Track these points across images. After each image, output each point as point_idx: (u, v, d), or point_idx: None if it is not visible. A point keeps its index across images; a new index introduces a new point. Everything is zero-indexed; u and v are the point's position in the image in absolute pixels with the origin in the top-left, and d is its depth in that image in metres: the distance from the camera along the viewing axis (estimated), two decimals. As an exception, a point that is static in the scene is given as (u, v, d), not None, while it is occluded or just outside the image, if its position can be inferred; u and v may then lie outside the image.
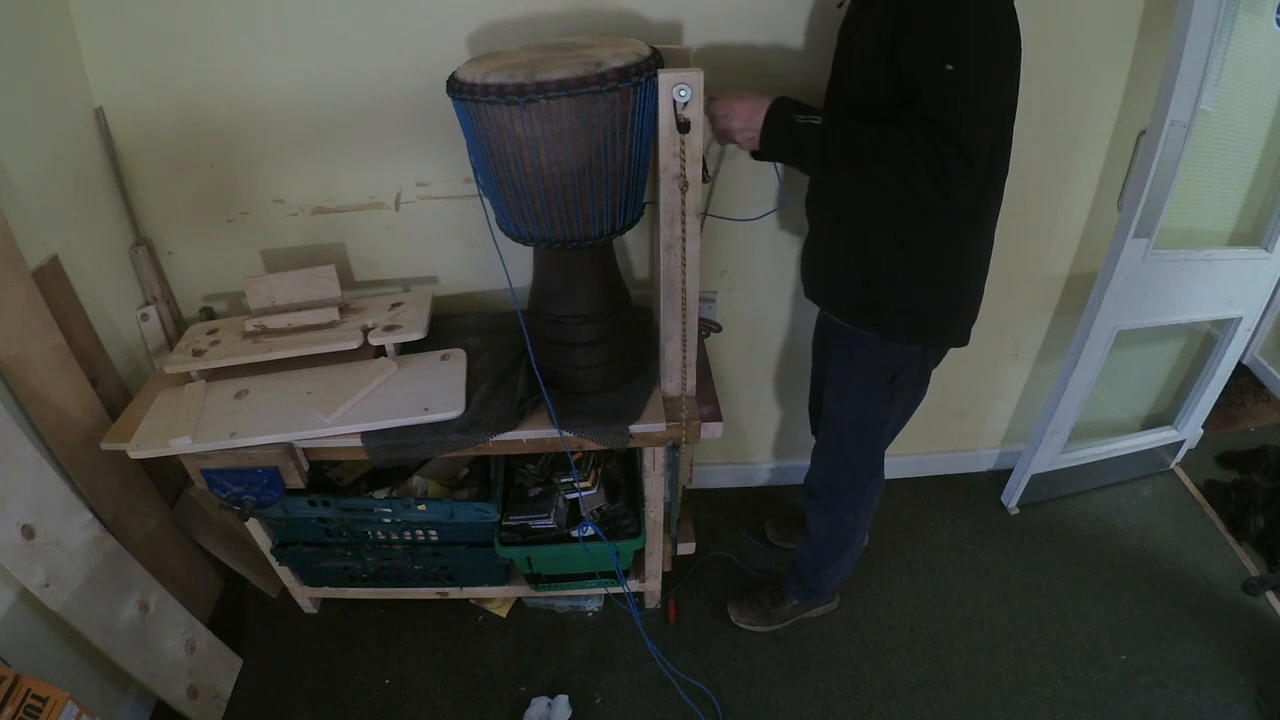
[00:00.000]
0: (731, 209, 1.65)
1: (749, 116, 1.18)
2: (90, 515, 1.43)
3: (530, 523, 1.66)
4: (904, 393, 1.45)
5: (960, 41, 1.03)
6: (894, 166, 1.09)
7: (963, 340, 1.41)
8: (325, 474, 1.77)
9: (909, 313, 1.33)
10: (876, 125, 1.10)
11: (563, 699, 1.69)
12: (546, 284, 1.44)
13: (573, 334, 1.44)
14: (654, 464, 1.54)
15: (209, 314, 1.78)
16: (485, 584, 1.82)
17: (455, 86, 1.16)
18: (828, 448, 1.59)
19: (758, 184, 1.63)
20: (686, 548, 1.90)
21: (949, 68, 1.02)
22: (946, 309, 1.36)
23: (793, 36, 1.49)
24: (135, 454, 1.38)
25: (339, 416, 1.42)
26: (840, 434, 1.53)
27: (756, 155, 1.25)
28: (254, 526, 1.66)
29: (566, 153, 1.16)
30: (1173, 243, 1.76)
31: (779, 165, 1.42)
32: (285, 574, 1.80)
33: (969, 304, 1.38)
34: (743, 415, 2.13)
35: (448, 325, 1.73)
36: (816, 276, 1.47)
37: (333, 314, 1.61)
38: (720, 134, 1.24)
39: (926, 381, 1.49)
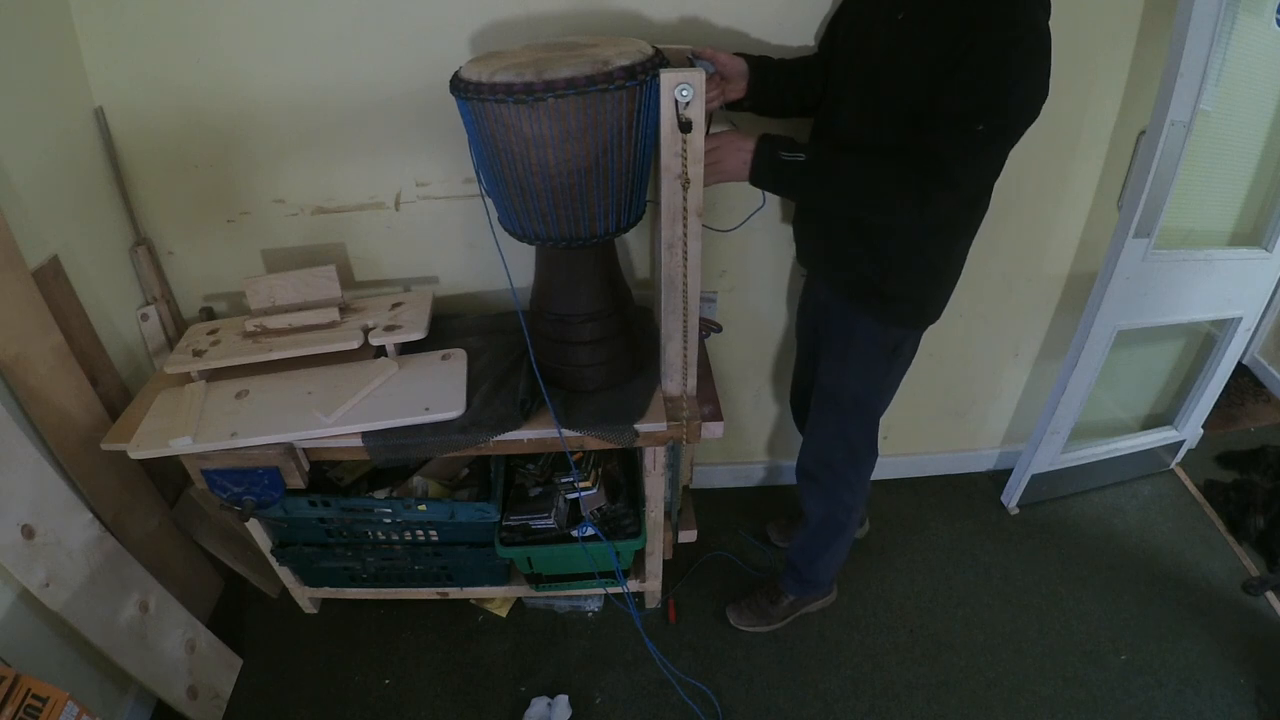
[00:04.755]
0: (713, 218, 1.63)
1: (736, 150, 1.19)
2: (90, 515, 1.43)
3: (531, 523, 1.66)
4: (901, 364, 1.50)
5: (1003, 100, 1.08)
6: (873, 200, 1.19)
7: (939, 314, 1.47)
8: (325, 474, 1.77)
9: (913, 301, 1.39)
10: (864, 161, 1.17)
11: (563, 699, 1.69)
12: (550, 283, 1.44)
13: (576, 332, 1.44)
14: (655, 463, 1.54)
15: (209, 314, 1.78)
16: (485, 584, 1.82)
17: (460, 86, 1.16)
18: (824, 426, 1.59)
19: (736, 188, 1.60)
20: (688, 535, 1.90)
21: (980, 129, 1.08)
22: (942, 292, 1.43)
23: (792, 36, 1.49)
24: (135, 454, 1.38)
25: (339, 416, 1.42)
26: (839, 412, 1.54)
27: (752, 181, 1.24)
28: (254, 526, 1.66)
29: (574, 151, 1.16)
30: (1173, 243, 1.76)
31: None
32: (285, 574, 1.80)
33: (954, 283, 1.44)
34: (743, 415, 2.13)
35: (448, 325, 1.73)
36: (820, 253, 1.49)
37: (333, 314, 1.61)
38: (709, 169, 1.20)
39: (916, 349, 1.52)
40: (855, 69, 1.27)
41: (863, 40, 1.26)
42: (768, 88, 1.35)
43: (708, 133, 1.19)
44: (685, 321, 1.32)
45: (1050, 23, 1.53)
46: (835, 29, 1.38)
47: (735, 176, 1.22)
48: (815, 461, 1.63)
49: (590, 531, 1.65)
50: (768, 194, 1.45)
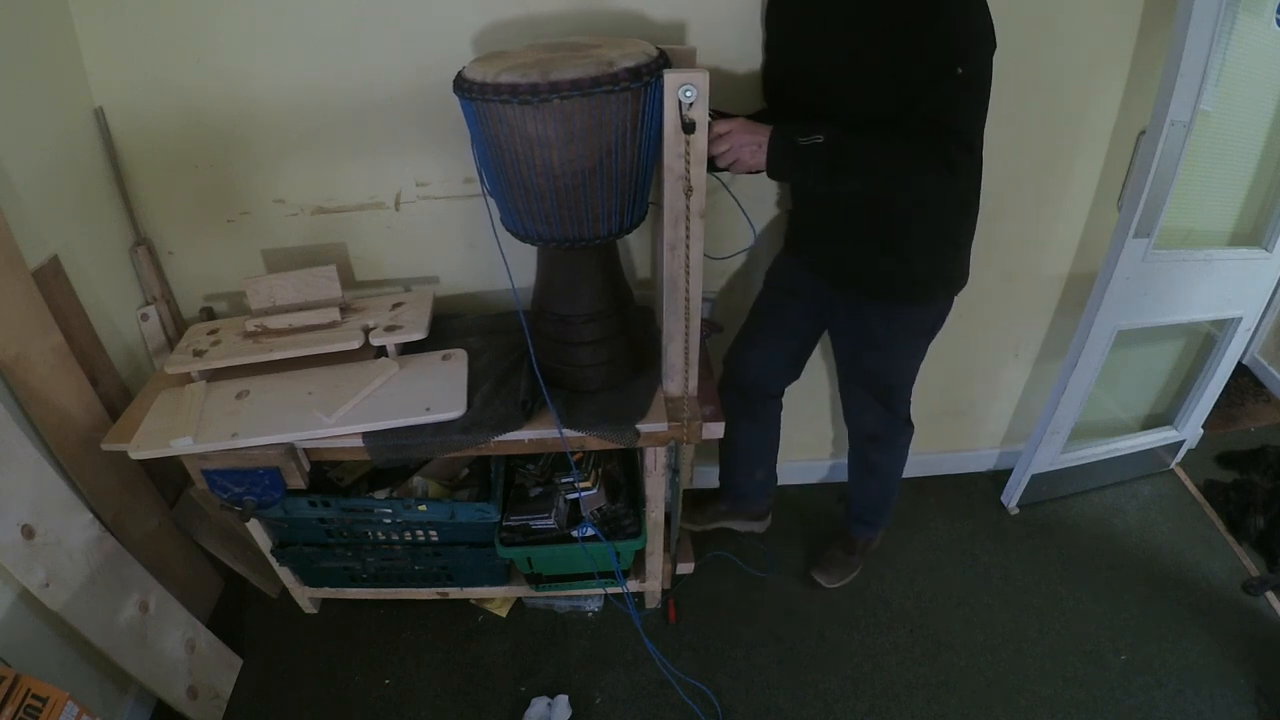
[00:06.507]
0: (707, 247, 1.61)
1: (750, 137, 1.20)
2: (90, 515, 1.43)
3: (531, 523, 1.66)
4: (937, 331, 1.58)
5: (958, 44, 1.12)
6: (899, 174, 1.22)
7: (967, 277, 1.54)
8: (326, 474, 1.77)
9: (943, 275, 1.47)
10: (877, 135, 1.18)
11: (563, 699, 1.69)
12: (551, 283, 1.44)
13: (578, 333, 1.44)
14: (655, 464, 1.54)
15: (209, 314, 1.78)
16: (485, 584, 1.82)
17: (464, 86, 1.16)
18: (879, 401, 1.68)
19: (731, 219, 1.60)
20: (685, 568, 1.93)
21: (959, 71, 1.11)
22: (965, 256, 1.50)
23: (794, 37, 1.49)
24: (136, 454, 1.38)
25: (340, 417, 1.42)
26: (890, 389, 1.66)
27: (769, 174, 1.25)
28: (254, 527, 1.65)
29: (578, 152, 1.16)
30: (1173, 243, 1.76)
31: (745, 209, 1.49)
32: (285, 574, 1.80)
33: (970, 243, 1.50)
34: (743, 415, 2.12)
35: (449, 325, 1.73)
36: (839, 263, 1.50)
37: (333, 314, 1.60)
38: (722, 157, 1.22)
39: (949, 311, 1.59)
40: (809, 82, 1.31)
41: (811, 55, 1.30)
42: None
43: (711, 130, 1.19)
44: (687, 323, 1.32)
45: (1051, 23, 1.55)
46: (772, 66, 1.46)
47: (751, 169, 1.23)
48: (880, 428, 1.73)
49: (590, 531, 1.65)
50: (758, 233, 1.48)
